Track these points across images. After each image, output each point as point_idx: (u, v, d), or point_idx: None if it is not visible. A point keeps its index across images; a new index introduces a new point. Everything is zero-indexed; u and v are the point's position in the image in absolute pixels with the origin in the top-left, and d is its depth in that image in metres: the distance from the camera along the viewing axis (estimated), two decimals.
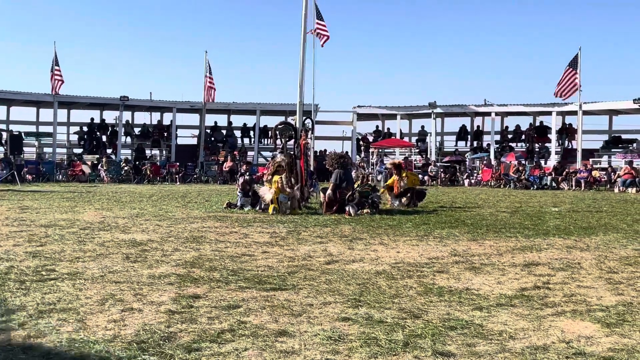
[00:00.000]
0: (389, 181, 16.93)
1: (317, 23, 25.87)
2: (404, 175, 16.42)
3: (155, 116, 37.48)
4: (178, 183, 29.02)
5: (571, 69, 29.91)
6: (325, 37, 26.46)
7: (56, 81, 31.21)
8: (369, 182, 15.57)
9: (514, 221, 12.78)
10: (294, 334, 4.61)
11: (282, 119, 28.21)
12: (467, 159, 33.22)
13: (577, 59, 30.22)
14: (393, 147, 34.72)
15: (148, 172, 29.98)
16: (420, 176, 28.84)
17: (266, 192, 14.12)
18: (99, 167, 29.78)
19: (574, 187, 26.70)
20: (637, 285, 6.48)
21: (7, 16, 73.97)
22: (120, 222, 11.66)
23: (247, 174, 16.22)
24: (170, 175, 30.29)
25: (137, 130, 36.56)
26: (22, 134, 32.28)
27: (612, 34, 71.76)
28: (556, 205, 17.11)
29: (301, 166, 15.14)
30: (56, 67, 31.25)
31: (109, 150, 34.19)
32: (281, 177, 14.02)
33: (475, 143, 36.42)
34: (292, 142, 15.81)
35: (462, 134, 37.32)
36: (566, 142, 34.31)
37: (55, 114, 32.52)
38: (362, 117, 37.01)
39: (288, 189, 14.04)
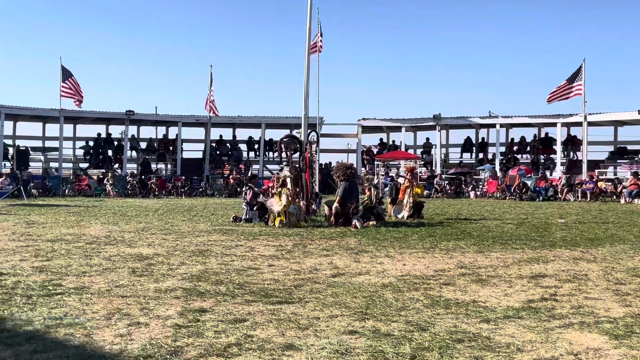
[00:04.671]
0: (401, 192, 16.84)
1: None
2: (414, 183, 16.41)
3: (161, 130, 37.60)
4: (184, 197, 29.06)
5: (567, 82, 30.40)
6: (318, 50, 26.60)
7: (65, 95, 31.28)
8: (377, 196, 15.53)
9: (520, 233, 12.75)
10: (300, 348, 4.60)
11: (287, 132, 28.26)
12: (480, 171, 33.09)
13: (581, 70, 30.31)
14: (398, 159, 34.69)
15: (154, 186, 30.02)
16: (426, 192, 28.90)
17: (274, 204, 14.13)
18: (105, 181, 29.84)
19: (580, 199, 26.62)
20: None
21: (13, 32, 74.62)
22: (127, 236, 11.68)
23: (254, 186, 16.20)
24: (176, 189, 30.32)
25: (142, 144, 36.66)
26: (29, 148, 32.41)
27: (616, 45, 71.89)
28: (562, 217, 17.06)
29: (306, 179, 15.16)
30: (63, 84, 31.36)
31: (115, 165, 34.28)
32: (288, 189, 14.03)
33: (480, 155, 36.38)
34: (297, 155, 15.84)
35: (467, 146, 37.31)
36: (571, 153, 34.24)
37: (61, 129, 32.65)
38: (366, 129, 37.02)
39: (296, 200, 14.06)
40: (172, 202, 24.30)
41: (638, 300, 6.27)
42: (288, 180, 14.22)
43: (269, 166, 35.68)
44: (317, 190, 17.90)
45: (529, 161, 34.35)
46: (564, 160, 33.45)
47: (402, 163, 34.52)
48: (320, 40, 25.89)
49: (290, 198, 13.88)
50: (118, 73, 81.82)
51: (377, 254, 9.54)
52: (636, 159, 31.48)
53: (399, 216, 16.02)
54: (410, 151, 36.89)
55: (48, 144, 35.16)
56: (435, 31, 73.68)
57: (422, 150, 37.37)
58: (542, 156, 34.40)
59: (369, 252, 9.74)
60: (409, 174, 16.77)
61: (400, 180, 20.38)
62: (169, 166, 36.05)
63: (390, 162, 34.91)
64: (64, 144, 33.80)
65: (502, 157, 34.29)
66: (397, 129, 36.58)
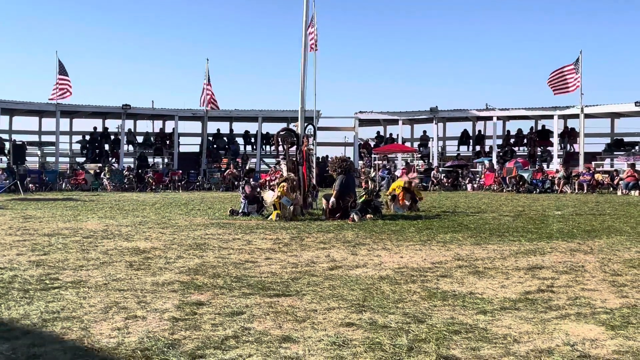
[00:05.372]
0: (391, 187, 16.88)
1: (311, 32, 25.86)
2: (413, 190, 16.42)
3: (158, 124, 37.50)
4: (181, 191, 29.03)
5: (573, 68, 30.04)
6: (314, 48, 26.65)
7: (59, 90, 31.12)
8: (375, 189, 15.52)
9: (517, 225, 12.77)
10: (298, 340, 4.60)
11: (284, 125, 28.25)
12: (478, 164, 33.11)
13: (579, 62, 30.29)
14: (395, 152, 34.69)
15: (151, 180, 30.00)
16: (423, 184, 28.89)
17: (270, 197, 14.14)
18: (102, 175, 29.81)
19: (576, 191, 26.66)
20: None
21: (9, 26, 74.34)
22: (124, 230, 11.67)
23: (251, 180, 16.20)
24: (173, 183, 30.29)
25: (139, 138, 36.62)
26: (25, 143, 32.35)
27: (613, 37, 71.90)
28: (559, 209, 17.09)
29: (304, 172, 15.14)
30: (60, 77, 31.22)
31: (111, 159, 34.23)
32: (287, 183, 14.03)
33: (477, 147, 36.39)
34: (294, 148, 15.82)
35: (464, 139, 37.31)
36: (568, 145, 34.27)
37: (57, 123, 32.56)
38: (363, 122, 37.00)
39: (292, 194, 14.05)
40: (169, 196, 24.28)
41: (634, 291, 6.29)
42: (291, 181, 14.20)
43: (266, 160, 35.66)
44: (314, 183, 17.88)
45: (526, 153, 34.39)
46: (561, 153, 33.50)
47: (399, 156, 34.56)
48: (314, 34, 25.78)
49: (284, 189, 13.85)
50: (114, 67, 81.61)
51: (374, 247, 9.55)
52: (633, 150, 31.54)
53: (398, 211, 16.00)
54: (407, 144, 36.90)
55: (44, 138, 35.09)
56: (431, 24, 73.62)
57: (419, 143, 37.34)
58: (539, 148, 34.42)
59: (366, 245, 9.74)
60: (407, 183, 16.71)
61: (398, 173, 20.34)
62: (166, 160, 36.00)
63: (389, 156, 34.90)
64: (61, 139, 33.71)
65: (499, 150, 34.31)
66: (394, 122, 36.56)
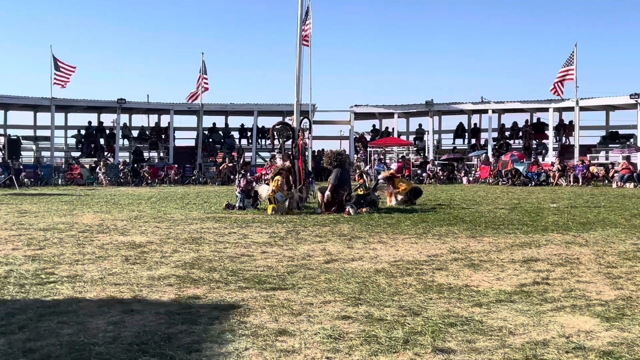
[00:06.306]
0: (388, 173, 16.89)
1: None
2: (398, 184, 16.42)
3: (153, 118, 37.47)
4: (176, 185, 28.97)
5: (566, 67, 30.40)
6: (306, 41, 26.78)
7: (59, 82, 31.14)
8: (370, 183, 15.54)
9: (513, 218, 12.79)
10: (294, 333, 4.61)
11: (279, 119, 28.26)
12: (474, 157, 33.15)
13: (573, 55, 30.37)
14: (391, 145, 34.69)
15: (146, 174, 29.95)
16: (419, 172, 28.93)
17: (264, 191, 14.15)
18: (97, 170, 29.75)
19: (572, 183, 26.72)
20: (636, 280, 6.49)
21: (3, 20, 73.96)
22: (119, 225, 11.65)
23: (248, 174, 16.19)
24: (169, 177, 30.26)
25: (134, 132, 36.53)
26: (20, 138, 32.22)
27: (608, 29, 71.92)
28: (554, 202, 17.13)
29: (299, 166, 15.13)
30: (57, 72, 31.21)
31: (106, 153, 34.15)
32: (281, 177, 14.02)
33: (473, 141, 36.43)
34: (289, 142, 15.80)
35: (459, 132, 37.33)
36: (563, 138, 34.33)
37: (52, 118, 32.49)
38: (359, 116, 36.98)
39: (287, 190, 14.04)
40: (165, 191, 24.24)
41: (629, 283, 6.32)
42: (285, 172, 14.19)
43: (262, 153, 35.64)
44: (310, 171, 17.86)
45: (521, 146, 34.43)
46: (556, 145, 33.55)
47: (394, 149, 34.54)
48: (309, 28, 25.75)
49: (279, 184, 13.84)
50: (109, 61, 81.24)
51: (370, 240, 9.55)
52: (628, 143, 31.61)
53: (394, 203, 16.03)
54: (403, 137, 36.91)
55: (39, 133, 35.00)
56: (426, 17, 73.49)
57: (414, 136, 37.38)
58: (534, 141, 34.47)
59: (362, 238, 9.75)
60: (387, 182, 16.72)
61: (393, 166, 20.37)
62: (161, 154, 35.95)
63: (386, 149, 34.90)
64: (56, 133, 33.66)
65: (494, 143, 34.35)
66: (390, 115, 36.57)
